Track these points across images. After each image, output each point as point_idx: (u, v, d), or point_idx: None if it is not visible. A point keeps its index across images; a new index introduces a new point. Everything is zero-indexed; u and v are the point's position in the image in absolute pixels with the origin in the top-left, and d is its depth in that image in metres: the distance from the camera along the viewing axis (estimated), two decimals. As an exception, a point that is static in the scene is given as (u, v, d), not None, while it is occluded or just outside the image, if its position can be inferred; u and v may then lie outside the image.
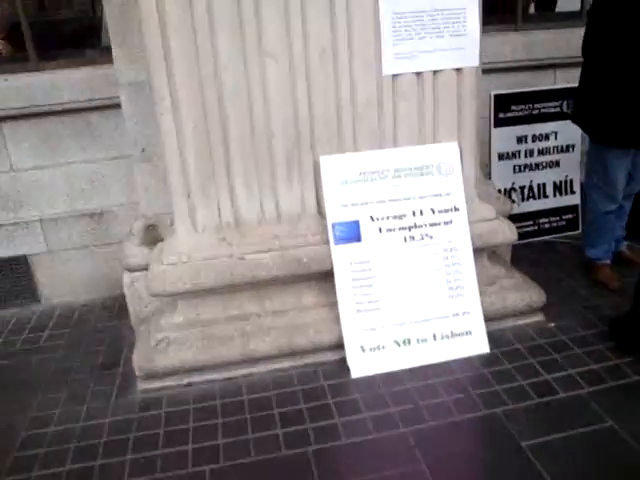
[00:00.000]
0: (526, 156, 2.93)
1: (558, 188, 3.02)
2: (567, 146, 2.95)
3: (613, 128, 2.21)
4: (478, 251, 2.14)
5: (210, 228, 2.03)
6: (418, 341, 2.03)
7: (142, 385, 2.02)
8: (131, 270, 2.27)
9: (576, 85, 2.39)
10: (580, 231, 3.04)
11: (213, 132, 1.93)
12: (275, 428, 1.79)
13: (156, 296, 2.03)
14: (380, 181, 2.04)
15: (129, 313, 2.35)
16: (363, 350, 2.00)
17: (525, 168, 2.95)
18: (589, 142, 2.40)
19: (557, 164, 2.98)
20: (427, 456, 1.64)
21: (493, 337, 2.08)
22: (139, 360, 1.99)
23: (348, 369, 1.99)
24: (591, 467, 1.58)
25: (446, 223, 2.08)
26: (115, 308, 2.60)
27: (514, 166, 2.93)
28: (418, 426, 1.75)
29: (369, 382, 1.95)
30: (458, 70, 2.03)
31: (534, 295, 2.16)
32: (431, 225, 2.07)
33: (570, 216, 3.06)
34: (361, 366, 1.99)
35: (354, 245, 2.01)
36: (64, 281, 2.71)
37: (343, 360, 2.00)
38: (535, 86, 2.87)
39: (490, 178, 2.86)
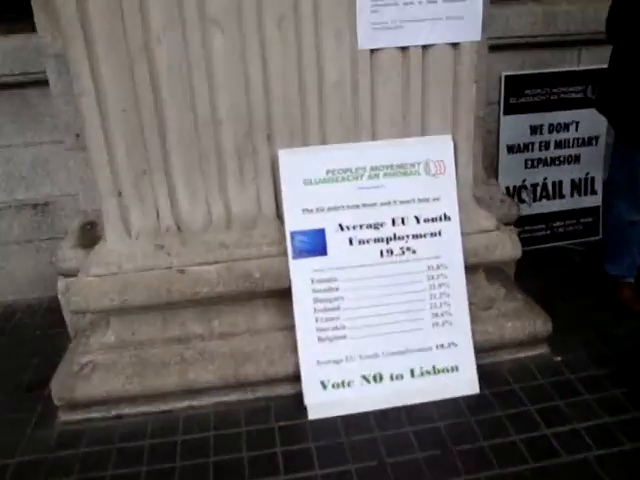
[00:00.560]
0: (541, 149, 2.52)
1: (577, 187, 2.61)
2: (589, 138, 2.53)
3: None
4: (472, 268, 1.77)
5: (146, 234, 1.69)
6: (392, 377, 1.68)
7: (63, 416, 1.70)
8: (65, 275, 1.95)
9: (604, 67, 1.96)
10: (600, 237, 2.64)
11: (146, 118, 1.57)
12: (207, 484, 1.47)
13: (78, 313, 1.71)
14: (353, 182, 1.66)
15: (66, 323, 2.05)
16: (324, 387, 1.65)
17: (539, 163, 2.54)
18: (614, 138, 1.99)
19: (577, 159, 2.56)
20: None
21: (485, 373, 1.72)
22: (58, 388, 1.67)
23: (305, 408, 1.65)
24: None
25: (433, 235, 1.70)
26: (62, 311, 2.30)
27: (526, 160, 2.52)
28: (379, 492, 1.42)
29: (329, 427, 1.61)
30: (454, 45, 1.63)
31: (539, 323, 1.79)
32: (414, 237, 1.69)
33: (589, 219, 2.65)
34: (320, 406, 1.65)
35: (318, 259, 1.65)
36: (5, 279, 2.40)
37: (301, 395, 1.66)
38: (555, 67, 2.44)
39: (497, 175, 2.47)
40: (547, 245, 2.61)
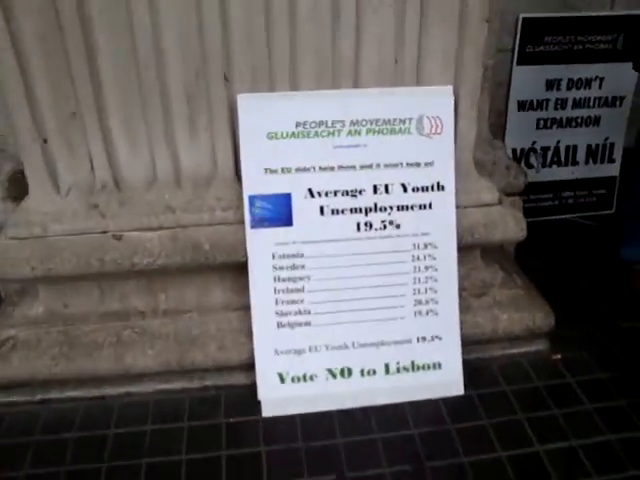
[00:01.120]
0: (556, 108, 2.19)
1: (593, 154, 2.30)
2: (613, 98, 2.20)
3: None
4: (467, 248, 1.50)
5: (78, 190, 1.39)
6: (363, 373, 1.43)
7: (-21, 398, 1.48)
8: (-6, 231, 1.68)
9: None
10: (613, 211, 2.36)
11: (72, 47, 1.25)
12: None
13: (-8, 281, 1.45)
14: (328, 138, 1.36)
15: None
16: (282, 380, 1.41)
17: (553, 124, 2.22)
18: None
19: (596, 122, 2.24)
20: None
21: (472, 371, 1.47)
22: (-29, 366, 1.44)
23: (260, 403, 1.42)
24: None
25: (422, 207, 1.42)
26: None
27: (538, 120, 2.20)
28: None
29: (285, 427, 1.37)
30: (464, -28, 1.30)
31: (539, 317, 1.53)
32: (399, 209, 1.41)
33: (603, 191, 2.35)
34: (277, 402, 1.41)
35: (281, 230, 1.37)
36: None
37: (256, 385, 1.42)
38: (582, 10, 2.08)
39: (504, 135, 2.15)
40: (553, 217, 2.33)
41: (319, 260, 1.39)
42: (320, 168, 1.36)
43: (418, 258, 1.43)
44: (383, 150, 1.38)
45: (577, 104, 2.19)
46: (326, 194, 1.37)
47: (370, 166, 1.38)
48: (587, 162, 2.31)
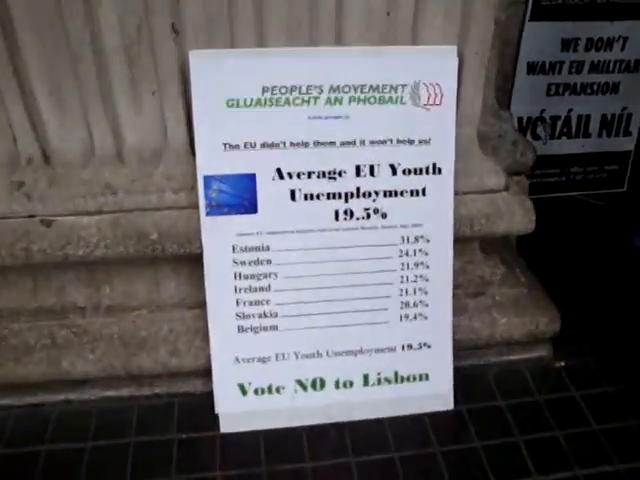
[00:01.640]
0: (571, 71, 1.93)
1: (607, 125, 2.04)
2: (637, 62, 1.93)
3: None
4: (464, 240, 1.28)
5: (-2, 163, 1.16)
6: (338, 384, 1.24)
7: None
8: None
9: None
10: (625, 189, 2.14)
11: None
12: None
13: None
14: (302, 107, 1.11)
15: None
16: (243, 392, 1.21)
17: (565, 90, 1.96)
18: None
19: (615, 89, 1.98)
20: None
21: (465, 381, 1.28)
22: None
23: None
24: None
25: (414, 193, 1.18)
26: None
27: (549, 85, 1.94)
28: None
29: (246, 447, 1.18)
30: None
31: (543, 322, 1.32)
32: (387, 195, 1.18)
33: (615, 167, 2.12)
34: (238, 417, 1.21)
35: (243, 218, 1.14)
36: None
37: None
38: (609, -43, 1.80)
39: (509, 102, 1.90)
40: (559, 195, 2.11)
41: (289, 254, 1.17)
42: (292, 144, 1.12)
43: (407, 254, 1.21)
44: (369, 123, 1.13)
45: (595, 68, 1.93)
46: (298, 175, 1.14)
47: (353, 142, 1.14)
48: (600, 134, 2.06)
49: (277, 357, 1.21)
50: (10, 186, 1.15)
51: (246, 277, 1.17)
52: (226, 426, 1.21)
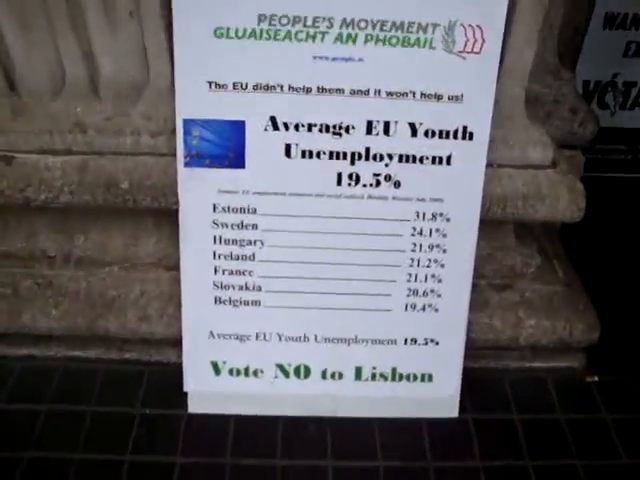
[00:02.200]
0: (658, 30, 1.62)
1: (693, 97, 1.74)
2: None
3: None
4: (494, 223, 1.07)
5: (-44, 87, 1.01)
6: (325, 375, 1.07)
7: None
8: None
9: None
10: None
11: None
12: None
13: None
14: (306, 43, 0.90)
15: None
16: (217, 371, 1.07)
17: (647, 52, 1.66)
18: None
19: None
20: None
21: (476, 386, 1.10)
22: None
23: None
24: None
25: (437, 161, 0.97)
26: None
27: (628, 44, 1.63)
28: None
29: (213, 432, 1.04)
30: None
31: (578, 327, 1.10)
32: (403, 159, 0.97)
33: (695, 149, 1.82)
34: (208, 398, 1.07)
35: (228, 173, 0.96)
36: None
37: (189, 369, 1.09)
38: None
39: (575, 62, 1.61)
40: (622, 175, 1.83)
41: (279, 220, 0.99)
42: (291, 88, 0.92)
43: (421, 233, 1.01)
44: (387, 70, 0.92)
45: (687, 28, 1.61)
46: (296, 127, 0.94)
47: (365, 92, 0.93)
48: (681, 108, 1.75)
49: (257, 336, 1.05)
50: (-30, 114, 1.01)
51: (227, 242, 1.00)
52: (194, 406, 1.07)
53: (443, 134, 0.96)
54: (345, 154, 0.96)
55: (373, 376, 1.07)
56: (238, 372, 1.06)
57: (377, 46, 0.90)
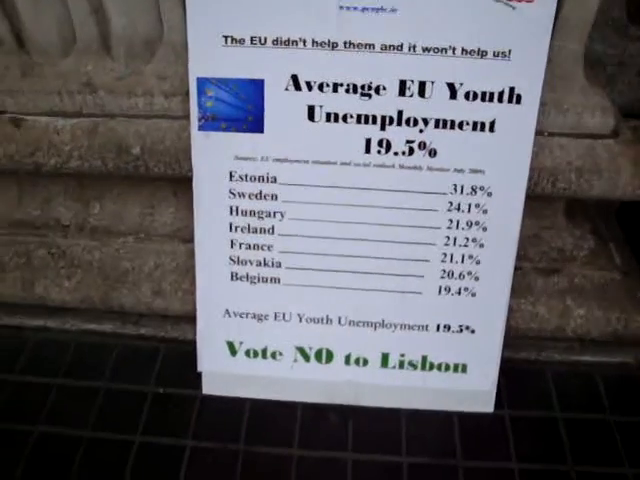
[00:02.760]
0: None
1: None
2: None
3: None
4: (543, 199, 0.95)
5: (-38, 43, 0.96)
6: (349, 360, 0.99)
7: None
8: None
9: None
10: None
11: None
12: None
13: None
14: (333, -9, 0.81)
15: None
16: (233, 351, 1.00)
17: None
18: None
19: None
20: None
21: (515, 379, 1.00)
22: None
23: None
24: None
25: (479, 127, 0.86)
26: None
27: None
28: None
29: (227, 416, 0.98)
30: None
31: (637, 318, 0.98)
32: (440, 125, 0.86)
33: None
34: (223, 379, 1.01)
35: (246, 137, 0.88)
36: None
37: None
38: None
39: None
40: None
41: (300, 190, 0.90)
42: (314, 42, 0.83)
43: (459, 208, 0.90)
44: (424, 21, 0.81)
45: None
46: (320, 87, 0.85)
47: (399, 47, 0.82)
48: None
49: (276, 316, 0.97)
50: (-22, 71, 0.96)
51: (244, 214, 0.92)
52: (209, 387, 1.01)
53: (486, 96, 0.84)
54: (375, 118, 0.86)
55: (401, 364, 0.98)
56: (255, 354, 0.99)
57: (413, -7, 0.80)
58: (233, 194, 0.91)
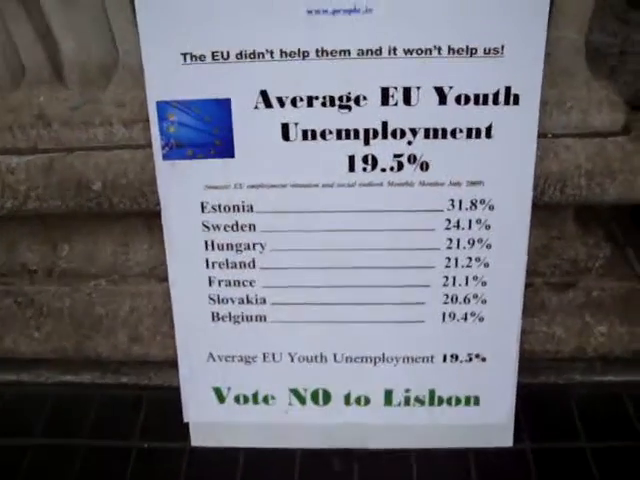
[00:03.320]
0: None
1: None
2: None
3: None
4: (551, 207, 0.86)
5: None
6: (349, 400, 0.89)
7: None
8: None
9: None
10: None
11: None
12: None
13: None
14: (299, -5, 0.72)
15: None
16: (220, 398, 0.91)
17: None
18: None
19: None
20: None
21: (534, 407, 0.90)
22: None
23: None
24: None
25: (474, 134, 0.77)
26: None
27: None
28: None
29: (218, 469, 0.89)
30: None
31: (666, 333, 0.89)
32: (430, 135, 0.77)
33: None
34: (212, 429, 0.91)
35: (216, 164, 0.79)
36: None
37: (194, 394, 0.94)
38: None
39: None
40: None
41: (280, 218, 0.81)
42: (283, 53, 0.74)
43: (458, 225, 0.81)
44: (404, 20, 0.72)
45: None
46: (293, 102, 0.76)
47: (378, 51, 0.73)
48: None
49: (265, 357, 0.88)
50: None
51: (221, 248, 0.83)
52: (197, 438, 0.92)
53: (480, 99, 0.75)
54: (357, 132, 0.77)
55: (407, 400, 0.88)
56: (246, 399, 0.90)
57: (391, -10, 0.71)
58: (207, 227, 0.82)
